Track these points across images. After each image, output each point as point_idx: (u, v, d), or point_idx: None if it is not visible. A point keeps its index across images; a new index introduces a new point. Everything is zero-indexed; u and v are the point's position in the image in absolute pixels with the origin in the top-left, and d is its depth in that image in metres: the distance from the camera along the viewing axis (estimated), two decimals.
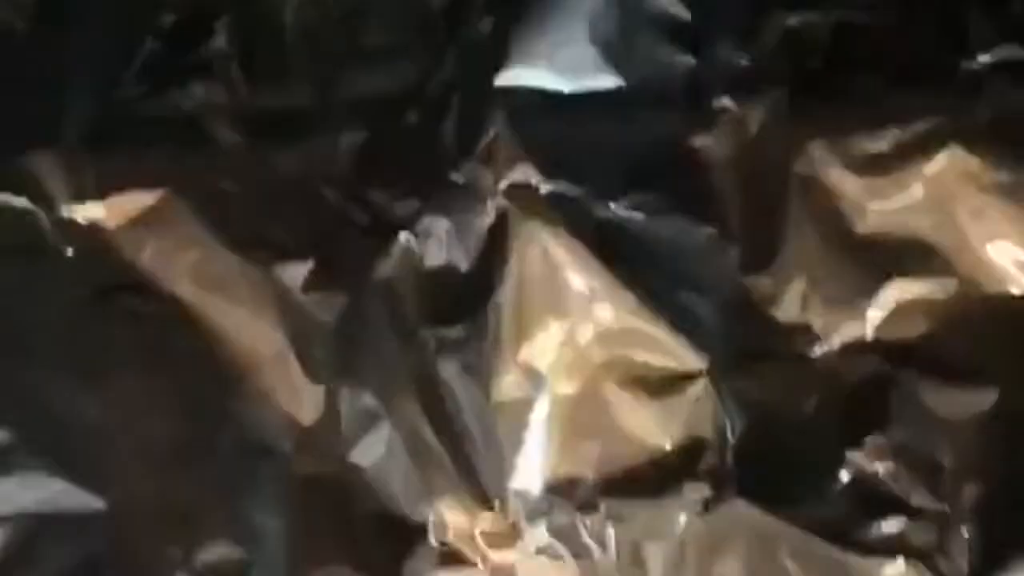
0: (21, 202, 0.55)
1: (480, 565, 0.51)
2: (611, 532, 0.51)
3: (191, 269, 0.55)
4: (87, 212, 0.55)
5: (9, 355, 0.54)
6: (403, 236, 0.54)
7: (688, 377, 0.52)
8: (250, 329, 0.54)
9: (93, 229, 0.55)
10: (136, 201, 0.55)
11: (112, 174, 0.55)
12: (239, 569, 0.51)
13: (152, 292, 0.55)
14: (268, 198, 0.55)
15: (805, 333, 0.53)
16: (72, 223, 0.55)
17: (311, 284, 0.54)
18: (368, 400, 0.53)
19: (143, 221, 0.55)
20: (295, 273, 0.54)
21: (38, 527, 0.52)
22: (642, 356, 0.53)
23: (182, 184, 0.55)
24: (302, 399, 0.53)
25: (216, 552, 0.52)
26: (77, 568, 0.51)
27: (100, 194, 0.55)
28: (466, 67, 0.56)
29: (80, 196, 0.55)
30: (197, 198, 0.55)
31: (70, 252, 0.55)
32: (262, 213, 0.55)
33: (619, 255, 0.54)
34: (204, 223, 0.55)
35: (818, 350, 0.53)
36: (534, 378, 0.52)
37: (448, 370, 0.53)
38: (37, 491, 0.52)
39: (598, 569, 0.50)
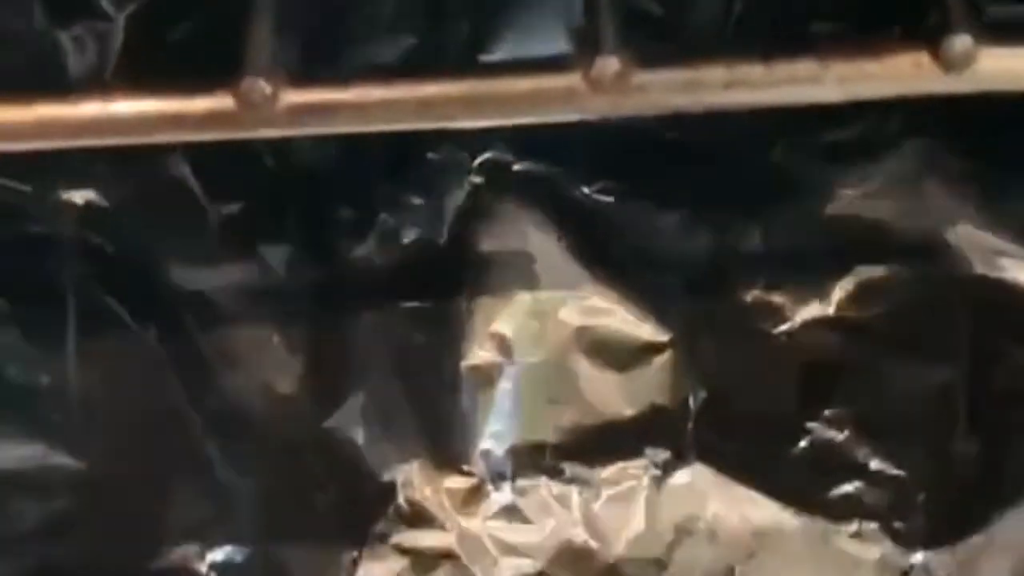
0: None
1: (447, 525, 0.52)
2: (574, 495, 0.52)
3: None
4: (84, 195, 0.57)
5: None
6: (382, 214, 0.56)
7: (653, 349, 0.54)
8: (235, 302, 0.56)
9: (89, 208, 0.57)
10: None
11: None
12: (211, 531, 0.53)
13: None
14: (252, 180, 0.57)
15: (769, 310, 0.54)
16: (69, 205, 0.57)
17: (293, 262, 0.56)
18: (343, 369, 0.54)
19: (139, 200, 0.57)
20: (278, 252, 0.56)
21: (13, 487, 0.53)
22: (608, 328, 0.54)
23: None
24: (281, 368, 0.55)
25: (189, 515, 0.53)
26: (52, 528, 0.53)
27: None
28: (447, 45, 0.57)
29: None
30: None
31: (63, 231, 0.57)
32: (242, 198, 0.57)
33: (589, 232, 0.55)
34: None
35: (781, 327, 0.54)
36: (503, 347, 0.54)
37: (420, 339, 0.54)
38: (14, 452, 0.54)
39: (561, 531, 0.52)
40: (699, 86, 0.43)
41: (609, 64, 0.42)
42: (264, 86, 0.43)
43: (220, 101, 0.43)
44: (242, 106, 0.43)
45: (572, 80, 0.43)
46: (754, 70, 0.43)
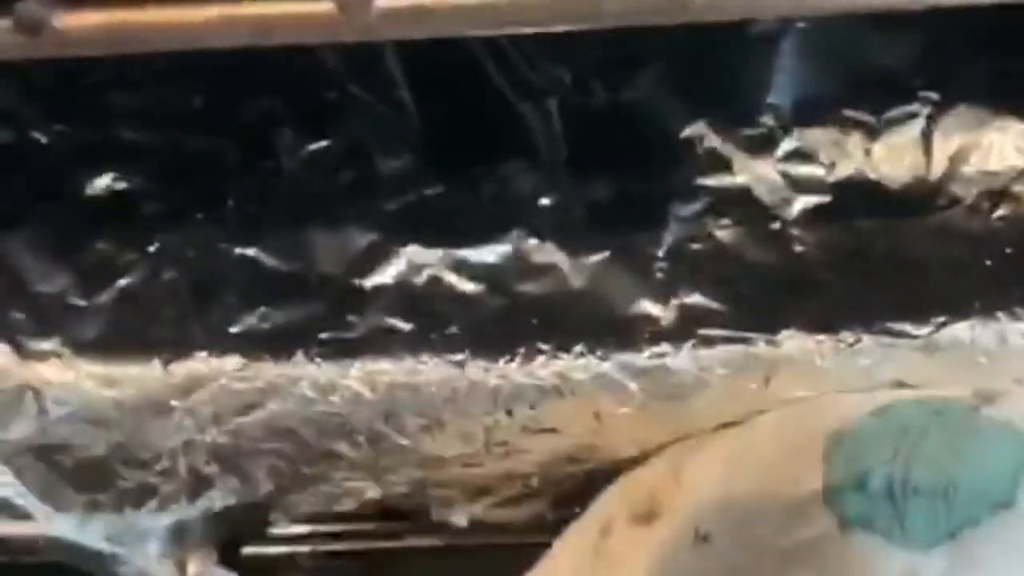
0: None
1: (742, 169, 0.59)
2: (857, 136, 0.59)
3: None
4: None
5: None
6: None
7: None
8: None
9: None
10: None
11: None
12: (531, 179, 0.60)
13: None
14: None
15: None
16: None
17: None
18: (639, 41, 0.60)
19: None
20: None
21: None
22: None
23: None
24: None
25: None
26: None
27: None
28: None
29: None
30: None
31: None
32: None
33: None
34: None
35: None
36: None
37: None
38: None
39: (847, 168, 0.59)
40: None
41: None
42: None
43: (319, 5, 0.47)
44: (341, 9, 0.46)
45: None
46: None
